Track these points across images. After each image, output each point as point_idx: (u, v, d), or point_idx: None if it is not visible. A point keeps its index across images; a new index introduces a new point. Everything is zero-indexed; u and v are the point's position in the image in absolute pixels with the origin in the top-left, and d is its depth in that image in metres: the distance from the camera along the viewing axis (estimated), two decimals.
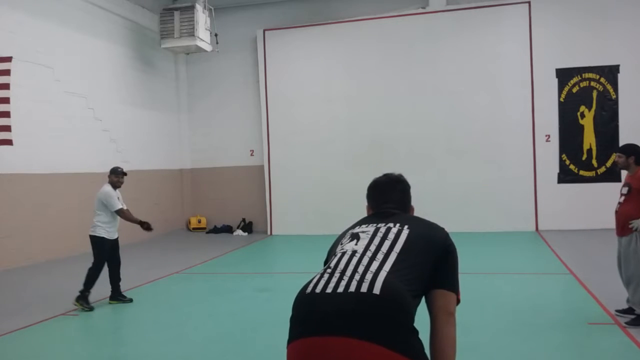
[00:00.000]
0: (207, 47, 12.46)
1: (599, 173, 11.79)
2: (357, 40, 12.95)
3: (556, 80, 11.94)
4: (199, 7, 11.93)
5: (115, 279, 6.57)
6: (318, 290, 1.81)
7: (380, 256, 1.87)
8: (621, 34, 11.61)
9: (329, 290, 1.79)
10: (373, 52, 12.86)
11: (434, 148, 12.33)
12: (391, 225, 2.03)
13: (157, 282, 7.83)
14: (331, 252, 2.10)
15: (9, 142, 8.33)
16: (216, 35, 12.75)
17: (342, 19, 13.08)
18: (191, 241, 12.40)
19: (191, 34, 11.82)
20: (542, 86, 11.95)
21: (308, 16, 13.41)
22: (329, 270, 1.88)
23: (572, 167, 11.91)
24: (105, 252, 6.43)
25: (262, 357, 4.66)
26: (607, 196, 11.69)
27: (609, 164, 11.72)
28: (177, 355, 4.87)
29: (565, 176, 11.93)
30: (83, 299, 6.22)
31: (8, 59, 8.35)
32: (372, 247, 1.92)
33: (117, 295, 6.56)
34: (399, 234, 1.97)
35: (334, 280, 1.81)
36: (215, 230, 13.91)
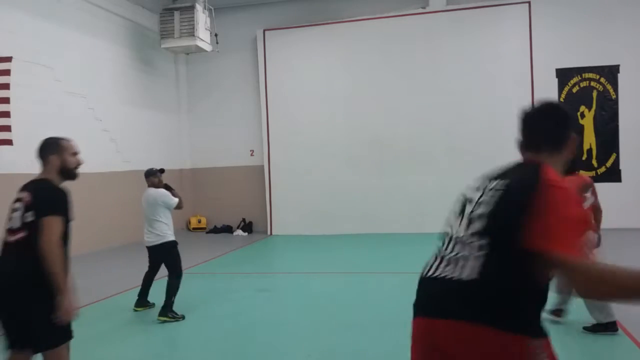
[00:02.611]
0: (207, 47, 12.46)
1: (599, 173, 11.79)
2: (357, 40, 12.95)
3: (556, 80, 11.94)
4: (199, 7, 11.93)
5: (150, 283, 6.25)
6: None
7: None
8: (621, 34, 11.61)
9: None
10: (373, 52, 12.85)
11: (434, 148, 12.32)
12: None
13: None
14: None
15: (9, 142, 8.33)
16: (216, 35, 12.75)
17: (342, 19, 13.08)
18: (191, 241, 12.39)
19: (191, 34, 11.83)
20: (542, 86, 11.94)
21: (308, 16, 13.41)
22: None
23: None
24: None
25: (261, 357, 4.66)
26: (607, 196, 11.71)
27: (609, 164, 11.73)
28: (177, 355, 4.87)
29: None
30: (171, 311, 5.73)
31: (8, 59, 8.35)
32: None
33: (145, 301, 6.24)
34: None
35: None
36: (215, 230, 13.91)
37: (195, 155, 14.58)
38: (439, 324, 1.82)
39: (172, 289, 5.73)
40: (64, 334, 3.01)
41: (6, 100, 8.26)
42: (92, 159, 10.97)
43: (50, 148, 3.26)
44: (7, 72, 8.30)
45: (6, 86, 8.28)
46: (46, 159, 3.22)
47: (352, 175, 12.74)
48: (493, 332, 1.73)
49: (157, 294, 6.06)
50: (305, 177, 13.15)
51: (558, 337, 4.85)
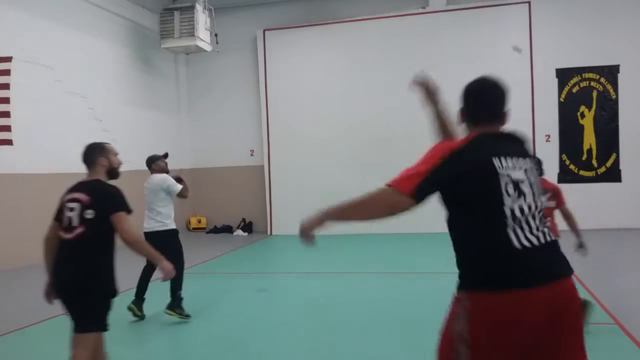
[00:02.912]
0: (207, 47, 12.46)
1: (599, 173, 11.79)
2: (357, 40, 12.95)
3: (556, 80, 11.94)
4: (199, 7, 11.93)
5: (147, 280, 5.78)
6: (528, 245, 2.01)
7: (540, 203, 2.13)
8: (621, 34, 11.61)
9: (535, 244, 2.01)
10: (373, 52, 12.85)
11: None
12: (528, 164, 2.18)
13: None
14: (479, 192, 2.05)
15: (9, 142, 8.34)
16: (216, 35, 12.74)
17: (342, 19, 13.08)
18: (191, 241, 12.38)
19: (191, 34, 11.82)
20: (542, 86, 11.95)
21: (308, 16, 13.41)
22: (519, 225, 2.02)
23: (572, 167, 11.91)
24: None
25: (261, 357, 4.66)
26: (607, 196, 11.76)
27: (609, 164, 11.73)
28: (177, 354, 4.87)
29: (565, 176, 11.93)
30: (179, 307, 5.51)
31: (8, 59, 8.36)
32: (536, 196, 2.12)
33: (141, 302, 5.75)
34: (535, 173, 2.20)
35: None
36: (215, 230, 13.91)
37: (195, 155, 14.57)
38: (566, 282, 2.00)
39: (175, 281, 5.22)
40: (102, 323, 3.45)
41: (6, 100, 8.27)
42: None
43: (97, 151, 3.56)
44: (7, 72, 8.32)
45: (6, 86, 8.30)
46: (94, 162, 3.53)
47: (352, 175, 12.72)
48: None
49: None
50: (305, 177, 13.14)
51: None
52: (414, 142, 12.69)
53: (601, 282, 6.66)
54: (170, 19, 11.93)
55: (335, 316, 5.74)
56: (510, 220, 1.99)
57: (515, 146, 2.26)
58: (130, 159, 12.20)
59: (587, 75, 11.80)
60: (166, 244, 5.38)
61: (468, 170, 2.06)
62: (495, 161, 2.07)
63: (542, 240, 2.02)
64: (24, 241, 9.39)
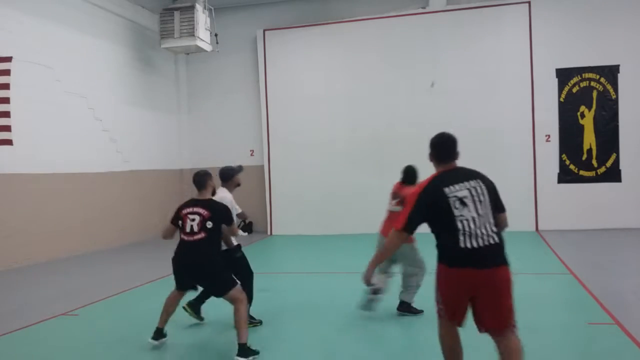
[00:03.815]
0: (207, 47, 12.45)
1: (599, 173, 11.79)
2: (357, 40, 12.96)
3: (556, 80, 11.94)
4: (199, 7, 11.93)
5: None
6: (470, 246, 3.19)
7: (488, 214, 3.29)
8: (621, 34, 11.61)
9: (475, 245, 3.18)
10: (373, 52, 12.86)
11: None
12: (476, 185, 3.38)
13: (157, 282, 7.82)
14: (440, 212, 3.29)
15: (9, 142, 8.34)
16: (216, 35, 12.74)
17: (342, 19, 13.08)
18: None
19: (191, 34, 11.82)
20: (542, 86, 11.95)
21: (308, 16, 13.41)
22: (467, 233, 3.21)
23: (572, 167, 11.91)
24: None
25: (261, 357, 4.65)
26: (607, 196, 11.77)
27: (609, 164, 11.73)
28: (177, 354, 4.86)
29: (565, 176, 11.93)
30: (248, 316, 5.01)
31: (8, 59, 8.36)
32: (484, 209, 3.29)
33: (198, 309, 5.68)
34: (484, 191, 3.37)
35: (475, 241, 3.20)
36: None
37: (195, 155, 14.57)
38: (497, 268, 3.21)
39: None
40: (232, 282, 4.67)
41: (6, 100, 8.27)
42: (92, 159, 11.04)
43: (207, 177, 5.00)
44: (7, 72, 8.31)
45: (6, 86, 8.29)
46: (205, 185, 4.93)
47: (352, 175, 12.74)
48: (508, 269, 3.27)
49: (157, 294, 6.04)
50: (305, 177, 13.15)
51: (558, 336, 4.86)
52: (413, 141, 12.70)
53: (601, 282, 6.65)
54: (170, 19, 11.93)
55: (335, 316, 5.74)
56: (460, 230, 3.21)
57: (463, 174, 3.46)
58: (130, 158, 12.32)
59: (587, 75, 11.80)
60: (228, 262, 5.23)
61: (431, 201, 3.33)
62: (445, 189, 3.32)
63: (482, 244, 3.18)
64: (24, 240, 9.41)
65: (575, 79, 11.85)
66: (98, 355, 4.84)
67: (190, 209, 4.74)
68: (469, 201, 3.26)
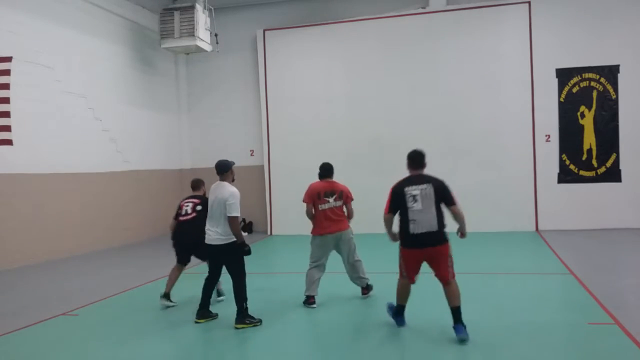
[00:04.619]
0: (207, 47, 12.45)
1: (599, 173, 11.78)
2: (357, 40, 12.95)
3: (556, 80, 11.93)
4: (199, 7, 11.93)
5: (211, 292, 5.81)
6: (416, 233, 4.75)
7: (431, 208, 4.76)
8: (621, 34, 11.61)
9: (419, 232, 4.73)
10: (373, 52, 12.85)
11: (434, 148, 12.22)
12: (425, 187, 4.80)
13: (156, 282, 7.83)
14: (400, 203, 4.86)
15: (9, 142, 8.33)
16: (216, 35, 12.74)
17: (342, 19, 13.08)
18: None
19: (191, 34, 11.82)
20: (542, 86, 11.94)
21: (308, 16, 13.41)
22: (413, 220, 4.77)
23: (572, 167, 11.90)
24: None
25: (261, 357, 4.66)
26: (607, 196, 11.76)
27: (609, 164, 11.72)
28: (176, 354, 4.87)
29: (565, 176, 11.93)
30: (247, 315, 5.40)
31: (8, 59, 8.35)
32: (428, 203, 4.76)
33: (208, 312, 5.73)
34: (431, 191, 4.78)
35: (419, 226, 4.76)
36: None
37: (195, 155, 14.57)
38: (439, 248, 4.76)
39: (240, 291, 5.38)
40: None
41: (6, 100, 8.26)
42: (92, 159, 11.04)
43: (201, 182, 7.05)
44: (7, 72, 8.31)
45: (6, 86, 8.29)
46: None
47: (352, 175, 12.69)
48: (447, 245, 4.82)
49: (157, 294, 6.02)
50: (305, 177, 13.07)
51: (558, 336, 4.86)
52: (413, 141, 12.67)
53: (601, 282, 6.65)
54: (170, 19, 11.92)
55: (335, 316, 5.74)
56: (411, 219, 4.75)
57: (420, 179, 4.90)
58: (130, 158, 12.31)
59: (587, 75, 11.79)
60: (239, 257, 5.64)
61: (395, 194, 4.91)
62: (405, 188, 4.85)
63: (424, 231, 4.72)
64: (24, 240, 9.41)
65: (575, 79, 11.85)
66: (98, 356, 4.84)
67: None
68: (418, 198, 4.76)
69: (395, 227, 4.94)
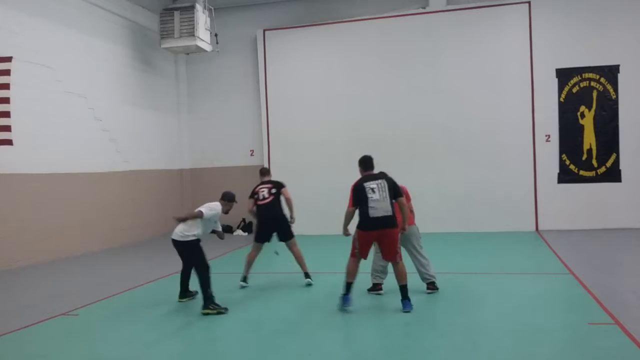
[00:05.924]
0: (207, 47, 12.45)
1: (599, 173, 11.79)
2: (357, 40, 12.95)
3: (556, 80, 11.94)
4: (199, 7, 11.93)
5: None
6: (374, 216, 5.70)
7: (386, 198, 5.74)
8: (621, 34, 11.61)
9: (377, 216, 5.69)
10: (373, 52, 12.86)
11: (434, 148, 12.32)
12: (381, 182, 5.81)
13: (157, 282, 7.83)
14: (361, 196, 5.75)
15: (9, 142, 8.33)
16: (216, 35, 12.74)
17: (342, 19, 13.08)
18: None
19: (191, 34, 11.82)
20: (542, 86, 11.95)
21: (308, 16, 13.41)
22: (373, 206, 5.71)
23: (572, 167, 11.90)
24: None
25: (262, 356, 4.66)
26: (607, 196, 11.76)
27: (609, 164, 11.73)
28: (176, 354, 4.87)
29: (565, 176, 11.93)
30: (212, 302, 5.95)
31: (8, 59, 8.35)
32: (383, 194, 5.75)
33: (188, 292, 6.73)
34: (385, 185, 5.79)
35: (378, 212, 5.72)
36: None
37: (195, 155, 14.57)
38: (390, 230, 5.73)
39: (204, 281, 6.12)
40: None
41: (6, 100, 8.26)
42: (92, 159, 11.04)
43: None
44: (7, 72, 8.30)
45: (6, 86, 8.29)
46: (227, 202, 6.89)
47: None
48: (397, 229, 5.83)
49: (157, 293, 6.01)
50: (305, 177, 13.13)
51: (558, 336, 4.86)
52: (413, 141, 12.79)
53: (601, 282, 6.65)
54: (170, 19, 11.93)
55: (335, 315, 5.74)
56: (370, 206, 5.66)
57: (375, 176, 5.87)
58: (130, 158, 12.31)
59: (587, 75, 11.80)
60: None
61: (357, 190, 5.84)
62: (365, 184, 5.80)
63: (381, 215, 5.63)
64: (24, 240, 9.40)
65: (575, 79, 11.85)
66: (98, 355, 4.84)
67: (263, 184, 7.66)
68: (376, 190, 5.72)
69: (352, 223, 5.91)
